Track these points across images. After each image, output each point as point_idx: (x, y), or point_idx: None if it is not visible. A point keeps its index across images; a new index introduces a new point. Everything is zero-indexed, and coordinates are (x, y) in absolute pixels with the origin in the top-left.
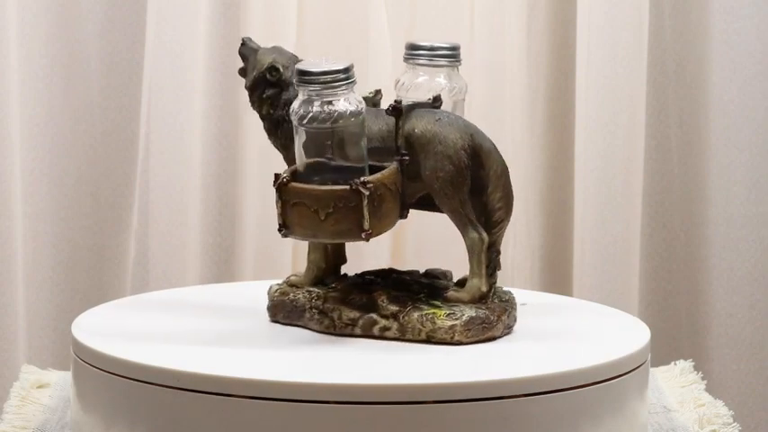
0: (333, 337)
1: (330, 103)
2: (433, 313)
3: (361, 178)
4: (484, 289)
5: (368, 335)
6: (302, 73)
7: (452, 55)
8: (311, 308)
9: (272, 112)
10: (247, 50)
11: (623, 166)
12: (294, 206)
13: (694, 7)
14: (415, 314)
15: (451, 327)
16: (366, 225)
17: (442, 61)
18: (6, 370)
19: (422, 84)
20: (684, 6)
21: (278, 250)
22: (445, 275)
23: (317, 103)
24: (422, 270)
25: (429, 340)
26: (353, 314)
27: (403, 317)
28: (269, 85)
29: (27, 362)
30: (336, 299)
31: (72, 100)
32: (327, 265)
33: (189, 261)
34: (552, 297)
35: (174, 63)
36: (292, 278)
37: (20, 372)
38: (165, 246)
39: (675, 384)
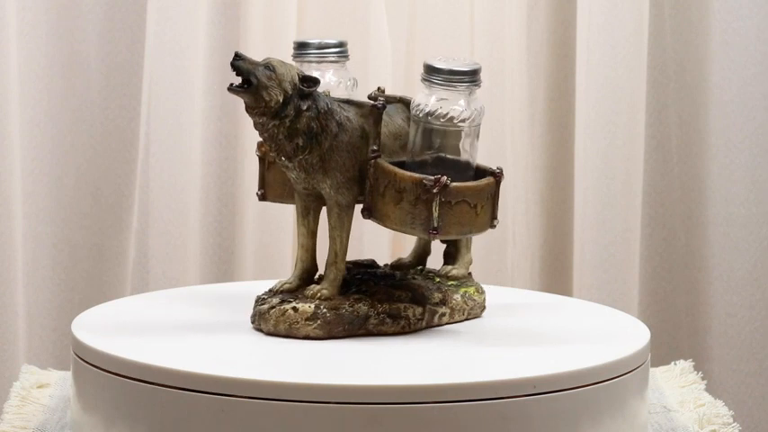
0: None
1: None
2: (467, 291)
3: (497, 167)
4: (473, 260)
5: (431, 325)
6: (433, 69)
7: (340, 52)
8: (379, 313)
9: (312, 125)
10: (248, 64)
11: (623, 166)
12: (456, 205)
13: (694, 7)
14: (458, 296)
15: (483, 300)
16: (498, 213)
17: (331, 57)
18: (6, 370)
19: None
20: (684, 6)
21: (278, 250)
22: (375, 263)
23: (433, 99)
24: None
25: (467, 318)
26: (419, 309)
27: (450, 301)
28: (302, 96)
29: (27, 362)
30: (385, 299)
31: (72, 100)
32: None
33: (189, 261)
34: (552, 297)
35: (174, 63)
36: (320, 293)
37: (20, 372)
38: (165, 246)
39: (675, 384)
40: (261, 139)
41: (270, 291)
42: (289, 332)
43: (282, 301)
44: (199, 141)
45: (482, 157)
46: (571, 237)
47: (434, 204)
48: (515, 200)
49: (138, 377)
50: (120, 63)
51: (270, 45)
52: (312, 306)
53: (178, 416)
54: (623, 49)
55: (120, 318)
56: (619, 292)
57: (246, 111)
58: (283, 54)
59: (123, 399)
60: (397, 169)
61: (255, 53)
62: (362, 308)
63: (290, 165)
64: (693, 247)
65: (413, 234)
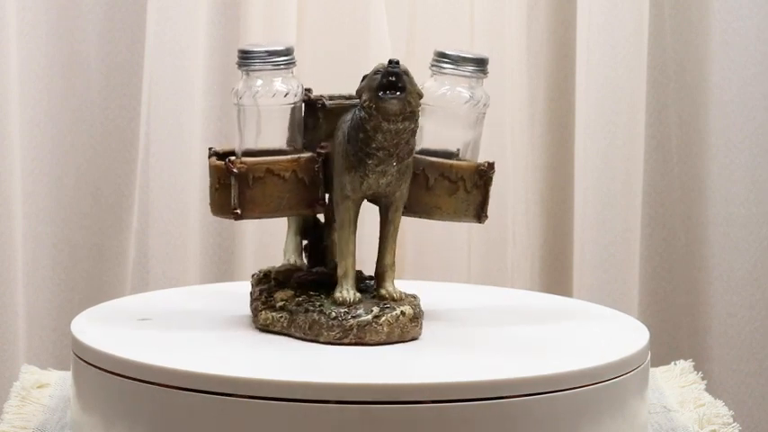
0: None
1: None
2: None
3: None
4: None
5: None
6: (442, 55)
7: (288, 59)
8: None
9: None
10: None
11: (623, 166)
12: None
13: (694, 7)
14: None
15: None
16: None
17: (281, 64)
18: (6, 370)
19: (260, 90)
20: (684, 6)
21: (278, 250)
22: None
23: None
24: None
25: None
26: None
27: None
28: None
29: (27, 362)
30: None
31: (72, 100)
32: None
33: (189, 261)
34: (552, 297)
35: (174, 63)
36: (400, 294)
37: (20, 372)
38: (165, 246)
39: (675, 384)
40: (233, 157)
41: (338, 304)
42: (401, 337)
43: (383, 309)
44: (199, 141)
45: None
46: (571, 237)
47: (490, 188)
48: (515, 200)
49: (138, 377)
50: (120, 63)
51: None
52: (410, 308)
53: (178, 416)
54: (623, 49)
55: (120, 318)
56: (619, 292)
57: (385, 119)
58: None
59: (123, 399)
60: (451, 161)
61: None
62: (418, 302)
63: (393, 169)
64: (693, 247)
65: (464, 221)
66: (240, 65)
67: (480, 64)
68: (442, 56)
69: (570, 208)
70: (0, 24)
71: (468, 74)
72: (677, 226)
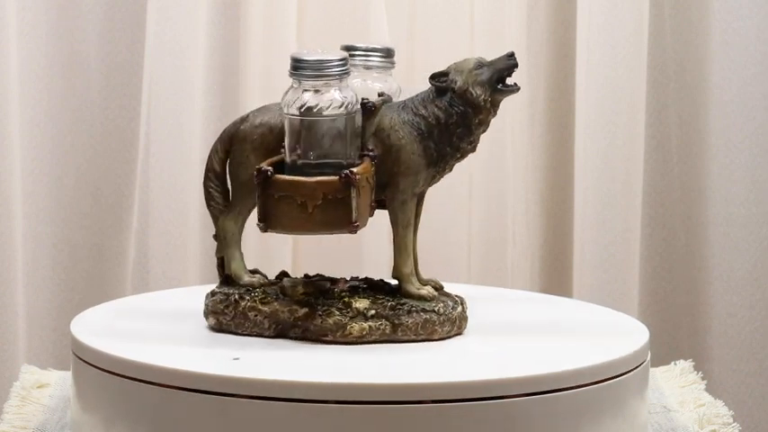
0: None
1: None
2: None
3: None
4: None
5: None
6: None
7: (344, 68)
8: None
9: None
10: None
11: (623, 166)
12: None
13: (694, 7)
14: None
15: None
16: None
17: (334, 73)
18: (6, 370)
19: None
20: (684, 6)
21: (278, 250)
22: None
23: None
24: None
25: None
26: None
27: None
28: None
29: (27, 362)
30: None
31: (72, 100)
32: None
33: (189, 261)
34: (552, 297)
35: (174, 63)
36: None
37: (20, 372)
38: (165, 246)
39: (675, 384)
40: (353, 168)
41: (427, 300)
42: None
43: (457, 298)
44: (199, 141)
45: (482, 157)
46: (571, 237)
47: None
48: (515, 200)
49: (138, 377)
50: (120, 63)
51: (270, 45)
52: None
53: (178, 416)
54: (623, 49)
55: (121, 318)
56: (619, 292)
57: (494, 111)
58: (283, 55)
59: (123, 399)
60: None
61: (255, 53)
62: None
63: (455, 162)
64: (693, 247)
65: None
66: (293, 74)
67: (388, 54)
68: (351, 49)
69: (570, 208)
70: (0, 24)
71: (377, 64)
72: (677, 226)
